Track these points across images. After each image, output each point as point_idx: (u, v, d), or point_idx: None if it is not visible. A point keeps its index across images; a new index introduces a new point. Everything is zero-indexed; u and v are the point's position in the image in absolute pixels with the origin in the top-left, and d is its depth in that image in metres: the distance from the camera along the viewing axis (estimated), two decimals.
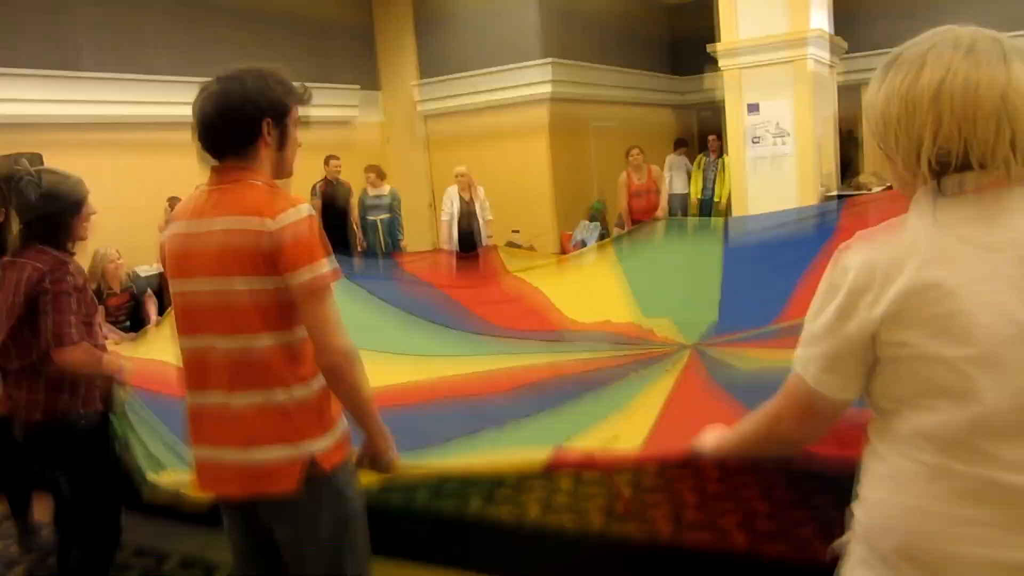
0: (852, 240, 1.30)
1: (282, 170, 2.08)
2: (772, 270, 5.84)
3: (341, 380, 1.96)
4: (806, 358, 1.33)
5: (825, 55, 10.14)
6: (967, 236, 1.20)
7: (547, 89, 11.13)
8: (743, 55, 9.83)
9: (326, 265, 1.95)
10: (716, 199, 11.02)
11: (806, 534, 1.94)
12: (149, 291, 6.81)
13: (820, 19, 10.10)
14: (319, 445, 1.96)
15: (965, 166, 1.22)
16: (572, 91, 11.63)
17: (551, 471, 2.06)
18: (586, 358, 5.10)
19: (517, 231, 10.95)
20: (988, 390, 1.16)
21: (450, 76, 11.80)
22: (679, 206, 11.29)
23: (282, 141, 2.05)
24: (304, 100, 2.10)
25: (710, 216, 10.98)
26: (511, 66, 11.18)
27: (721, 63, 9.98)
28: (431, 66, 12.10)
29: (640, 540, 2.00)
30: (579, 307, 5.98)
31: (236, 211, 1.93)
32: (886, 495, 1.27)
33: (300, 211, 1.93)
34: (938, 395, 1.20)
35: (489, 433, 3.69)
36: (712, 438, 1.70)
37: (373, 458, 2.11)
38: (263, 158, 2.03)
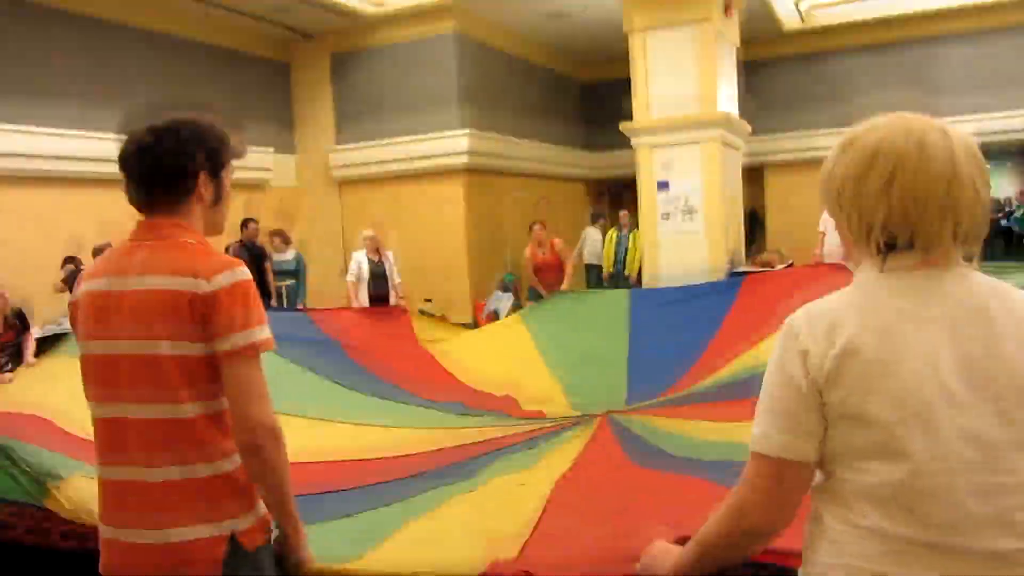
0: (796, 312, 1.35)
1: (214, 227, 1.97)
2: (677, 334, 6.10)
3: (261, 460, 1.80)
4: (765, 433, 1.34)
5: (732, 137, 10.57)
6: (904, 308, 1.28)
7: (464, 160, 11.24)
8: (655, 134, 10.17)
9: (262, 332, 1.82)
10: (627, 272, 11.23)
11: None
12: (32, 329, 6.59)
13: (728, 103, 10.57)
14: (242, 524, 1.82)
15: (909, 246, 1.31)
16: (488, 162, 11.78)
17: None
18: (494, 432, 5.02)
19: (430, 300, 10.88)
20: (918, 452, 1.22)
21: (367, 143, 11.80)
22: (596, 277, 11.47)
23: (217, 196, 1.94)
24: (240, 154, 2.01)
25: (619, 287, 11.17)
26: (429, 135, 11.26)
27: (633, 141, 10.29)
28: (348, 131, 12.09)
29: None
30: (489, 376, 5.96)
31: (166, 270, 1.80)
32: (825, 557, 1.30)
33: (236, 273, 1.80)
34: (872, 456, 1.25)
35: (395, 507, 3.63)
36: (667, 560, 1.60)
37: (283, 555, 1.94)
38: (196, 214, 1.91)
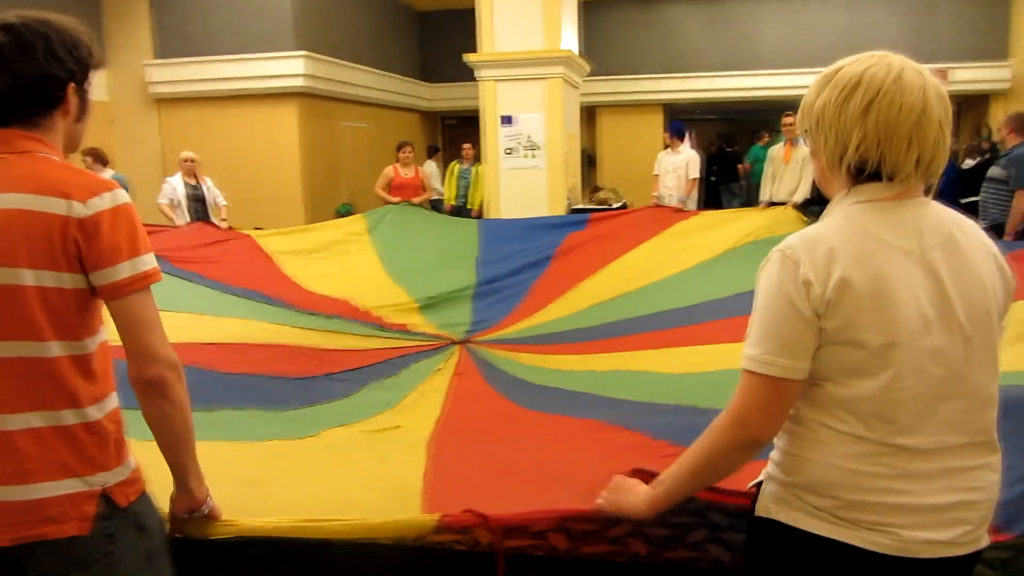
0: (790, 242, 1.44)
1: (72, 144, 1.74)
2: (521, 263, 6.35)
3: (164, 398, 1.62)
4: (767, 357, 1.42)
5: (573, 75, 10.70)
6: (885, 239, 1.41)
7: (299, 83, 10.68)
8: (499, 68, 10.10)
9: (151, 260, 1.63)
10: (470, 206, 11.20)
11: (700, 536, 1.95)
12: None
13: (570, 41, 10.65)
14: (113, 478, 1.62)
15: (875, 176, 1.44)
16: (325, 87, 11.28)
17: (442, 530, 1.88)
18: (358, 345, 5.06)
19: (260, 228, 10.38)
20: (896, 370, 1.38)
21: (191, 59, 10.92)
22: (438, 209, 11.35)
23: (81, 111, 1.71)
24: (102, 64, 1.75)
25: None
26: (262, 55, 10.59)
27: (478, 74, 10.18)
28: (168, 46, 11.13)
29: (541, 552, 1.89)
30: (332, 283, 5.91)
31: (29, 188, 1.55)
32: (809, 453, 1.45)
33: (117, 196, 1.59)
34: (856, 375, 1.40)
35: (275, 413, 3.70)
36: (635, 494, 1.66)
37: (185, 510, 1.78)
38: (57, 129, 1.67)
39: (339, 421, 3.80)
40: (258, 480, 2.27)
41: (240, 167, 10.64)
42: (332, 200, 11.74)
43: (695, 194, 9.23)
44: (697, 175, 9.07)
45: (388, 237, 6.89)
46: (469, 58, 10.18)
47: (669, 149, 9.28)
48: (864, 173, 1.44)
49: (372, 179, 12.46)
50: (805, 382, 1.44)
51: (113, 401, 1.66)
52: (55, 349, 1.56)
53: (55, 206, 1.53)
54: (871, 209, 1.43)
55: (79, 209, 1.54)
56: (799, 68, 13.99)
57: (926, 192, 1.49)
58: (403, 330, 5.49)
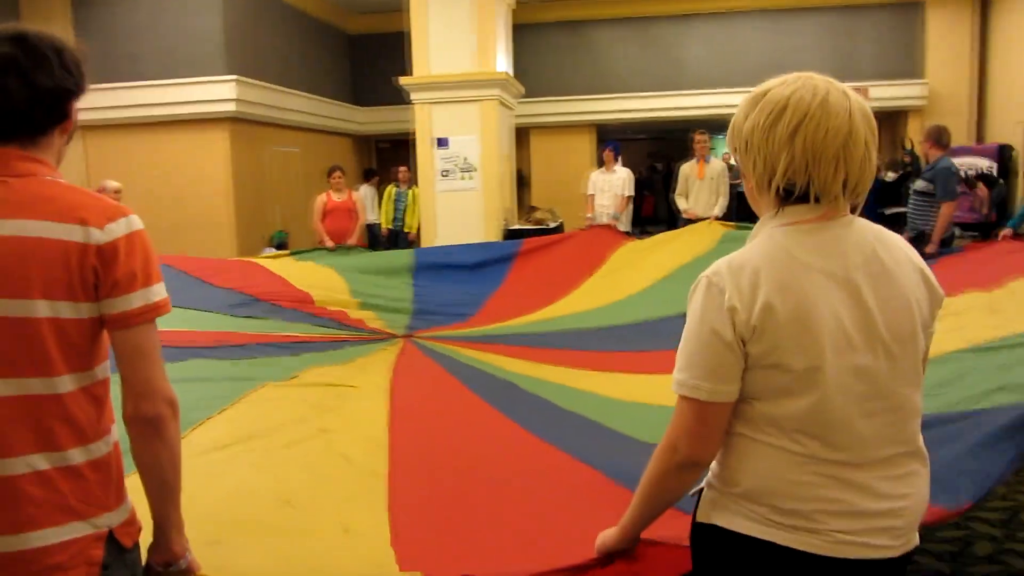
0: (717, 268, 1.47)
1: (58, 164, 1.65)
2: (458, 285, 6.44)
3: (159, 437, 1.54)
4: (693, 382, 1.46)
5: (507, 97, 10.77)
6: (809, 263, 1.44)
7: (231, 108, 10.50)
8: (434, 91, 10.11)
9: (162, 291, 1.57)
10: (406, 229, 11.14)
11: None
12: None
13: (503, 63, 10.74)
14: (117, 518, 1.53)
15: (803, 198, 1.47)
16: (256, 112, 11.10)
17: None
18: (302, 333, 5.18)
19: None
20: (821, 390, 1.42)
21: (116, 84, 10.64)
22: (372, 235, 11.28)
23: (72, 131, 1.65)
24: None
25: (398, 245, 11.11)
26: (191, 79, 10.38)
27: (413, 97, 10.18)
28: (92, 70, 10.81)
29: None
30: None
31: (43, 214, 1.47)
32: (742, 464, 1.49)
33: (132, 221, 1.54)
34: (783, 395, 1.44)
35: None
36: (608, 533, 1.78)
37: (164, 561, 1.64)
38: (54, 148, 1.60)
39: (292, 372, 4.04)
40: (218, 537, 2.19)
41: (168, 194, 10.39)
42: (264, 227, 11.55)
43: (629, 211, 9.36)
44: (631, 193, 9.24)
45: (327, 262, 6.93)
46: (403, 81, 10.17)
47: (603, 168, 9.39)
48: (793, 195, 1.47)
49: (305, 205, 12.32)
50: (732, 406, 1.48)
51: (115, 434, 1.58)
52: (68, 383, 1.49)
53: (72, 233, 1.47)
54: (796, 232, 1.46)
55: (97, 236, 1.48)
56: (725, 88, 14.38)
57: (852, 210, 1.52)
58: (344, 321, 5.55)
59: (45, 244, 1.46)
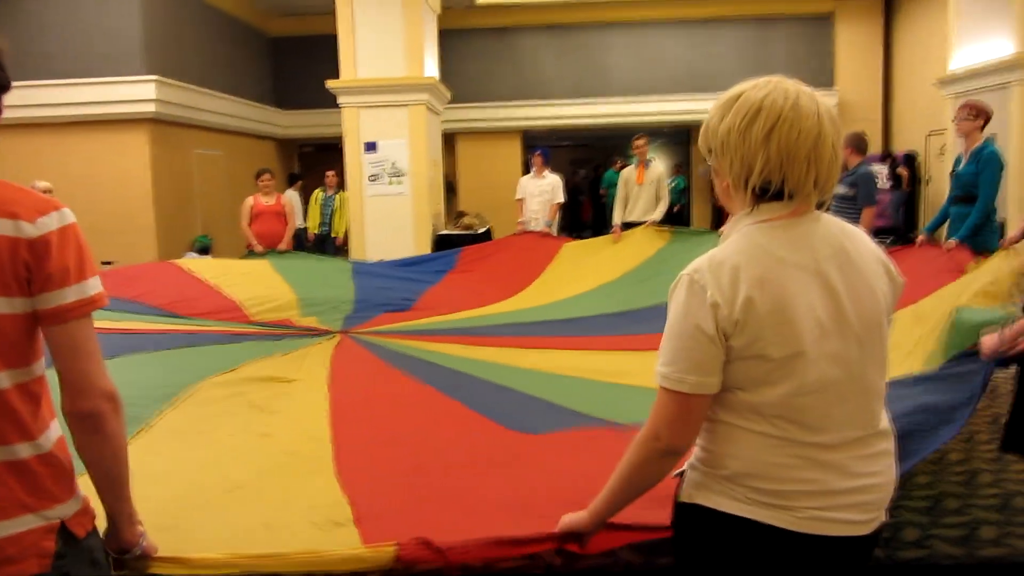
0: (698, 266, 1.54)
1: None
2: (396, 289, 6.52)
3: (99, 432, 1.53)
4: (678, 375, 1.53)
5: (436, 102, 10.79)
6: (783, 257, 1.53)
7: (151, 108, 10.21)
8: (363, 95, 10.06)
9: (97, 284, 1.55)
10: (334, 234, 11.04)
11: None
12: None
13: (432, 68, 10.75)
14: (69, 509, 1.54)
15: (777, 195, 1.56)
16: (177, 113, 10.83)
17: (402, 565, 1.89)
18: (237, 329, 5.20)
19: (109, 263, 9.83)
20: (800, 378, 1.51)
21: (30, 83, 10.22)
22: (299, 240, 11.12)
23: None
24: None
25: (325, 250, 11.02)
26: (109, 79, 10.06)
27: (341, 101, 10.11)
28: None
29: None
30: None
31: None
32: (725, 449, 1.58)
33: (64, 215, 1.52)
34: (763, 384, 1.53)
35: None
36: (577, 515, 1.83)
37: (119, 549, 1.68)
38: None
39: (227, 366, 4.00)
40: (173, 523, 2.16)
41: (85, 197, 9.99)
42: (186, 231, 11.27)
43: (558, 217, 9.44)
44: (562, 199, 9.32)
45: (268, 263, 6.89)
46: (331, 84, 10.09)
47: (532, 174, 9.47)
48: (768, 193, 1.55)
49: (227, 208, 12.10)
50: (713, 397, 1.56)
51: (57, 428, 1.57)
52: (4, 380, 1.46)
53: (3, 227, 1.44)
54: (769, 229, 1.55)
55: (28, 230, 1.46)
56: (647, 96, 14.72)
57: (819, 206, 1.61)
58: (285, 324, 5.53)
59: None
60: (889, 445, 1.63)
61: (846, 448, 1.54)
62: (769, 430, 1.53)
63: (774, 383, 1.51)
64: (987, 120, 5.93)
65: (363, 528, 2.24)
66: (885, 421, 1.63)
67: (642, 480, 1.66)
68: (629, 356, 4.49)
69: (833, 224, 1.61)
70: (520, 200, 9.50)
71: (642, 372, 4.06)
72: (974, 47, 10.84)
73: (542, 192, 9.23)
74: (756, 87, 1.57)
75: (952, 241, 5.54)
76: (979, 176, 5.80)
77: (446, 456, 3.04)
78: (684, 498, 1.65)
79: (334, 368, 4.28)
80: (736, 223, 1.60)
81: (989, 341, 2.66)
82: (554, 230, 9.15)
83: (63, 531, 1.51)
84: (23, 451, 1.48)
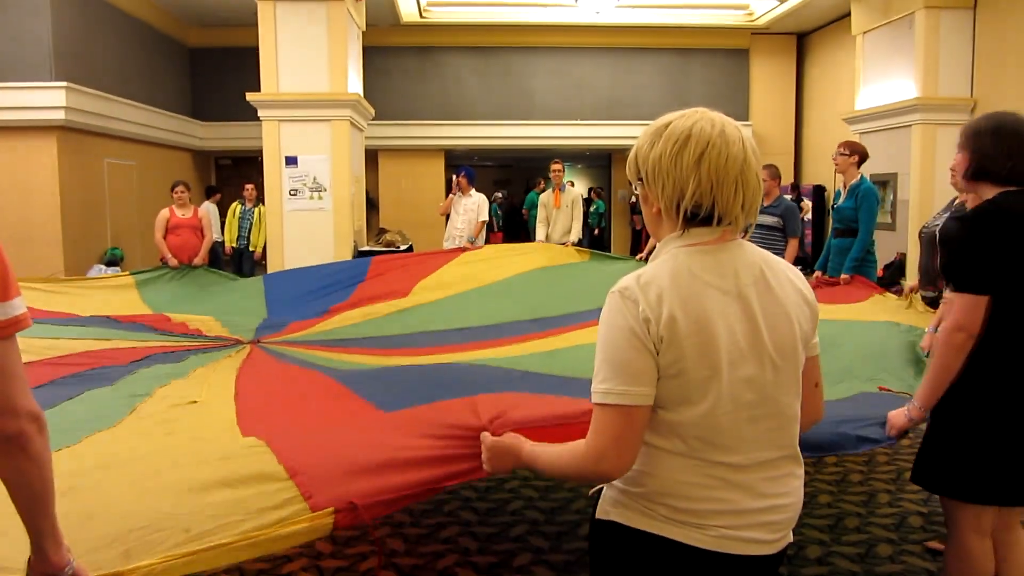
0: (627, 284, 1.58)
1: None
2: (308, 299, 6.40)
3: (23, 452, 1.47)
4: (621, 388, 1.54)
5: (358, 118, 10.73)
6: (707, 280, 1.58)
7: (60, 115, 9.86)
8: (285, 108, 9.94)
9: (20, 306, 1.48)
10: (252, 248, 10.83)
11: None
12: None
13: (355, 84, 10.69)
14: None
15: (705, 221, 1.61)
16: (87, 121, 10.48)
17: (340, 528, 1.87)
18: (141, 343, 4.86)
19: None
20: (714, 398, 1.55)
21: None
22: (215, 254, 10.87)
23: None
24: None
25: (243, 264, 10.80)
26: (15, 84, 9.68)
27: (262, 114, 9.96)
28: None
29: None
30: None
31: None
32: (639, 466, 1.61)
33: None
34: (682, 403, 1.56)
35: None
36: (524, 444, 1.84)
37: (40, 573, 1.56)
38: None
39: (131, 404, 3.65)
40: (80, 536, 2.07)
41: None
42: (95, 242, 10.89)
43: (483, 236, 9.49)
44: (486, 218, 9.38)
45: (162, 292, 6.67)
46: (251, 97, 9.93)
47: (459, 193, 9.49)
48: (698, 217, 1.60)
49: (139, 220, 11.74)
50: (650, 410, 1.57)
51: None
52: None
53: None
54: (695, 252, 1.60)
55: None
56: (569, 120, 14.96)
57: (744, 233, 1.67)
58: (185, 331, 5.30)
59: None
60: (799, 469, 1.68)
61: (756, 469, 1.59)
62: (685, 450, 1.56)
63: (692, 403, 1.54)
64: (862, 158, 6.23)
65: (299, 480, 2.18)
66: (796, 446, 1.67)
67: (571, 480, 1.70)
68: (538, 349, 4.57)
69: (755, 252, 1.66)
70: (445, 217, 9.56)
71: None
72: (879, 87, 11.40)
73: (467, 211, 9.27)
74: (684, 116, 1.62)
75: (845, 276, 5.79)
76: (858, 211, 6.09)
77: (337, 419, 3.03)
78: (600, 515, 1.68)
79: (241, 377, 4.17)
80: (664, 246, 1.65)
81: (897, 419, 2.59)
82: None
83: None
84: None
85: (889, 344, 3.80)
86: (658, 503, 1.58)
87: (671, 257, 1.60)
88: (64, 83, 9.84)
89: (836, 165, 6.32)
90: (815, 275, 6.24)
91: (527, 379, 3.59)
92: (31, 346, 4.42)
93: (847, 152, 6.20)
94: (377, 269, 7.13)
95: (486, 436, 1.97)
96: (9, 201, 9.91)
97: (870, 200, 6.08)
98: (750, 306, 1.58)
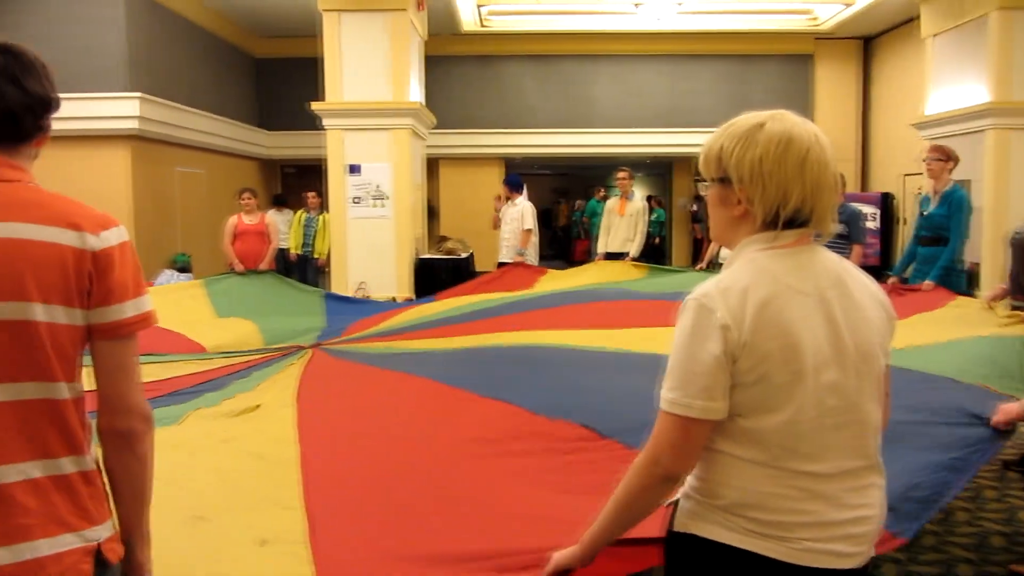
0: (706, 290, 1.54)
1: None
2: (367, 311, 6.61)
3: (132, 451, 1.52)
4: (686, 400, 1.52)
5: (420, 127, 10.84)
6: (789, 283, 1.54)
7: (133, 125, 10.16)
8: (348, 117, 10.09)
9: (149, 303, 1.55)
10: (316, 255, 11.01)
11: None
12: None
13: (417, 93, 10.81)
14: (105, 532, 1.50)
15: (792, 223, 1.57)
16: (159, 131, 10.78)
17: None
18: (206, 367, 4.92)
19: None
20: (797, 404, 1.51)
21: None
22: (281, 260, 11.08)
23: (42, 145, 1.64)
24: None
25: (307, 270, 10.98)
26: (92, 94, 10.00)
27: (325, 123, 10.12)
28: None
29: None
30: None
31: (32, 218, 1.45)
32: (718, 477, 1.58)
33: (122, 231, 1.54)
34: (764, 410, 1.53)
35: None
36: (568, 551, 1.73)
37: (130, 569, 1.60)
38: (31, 158, 1.59)
39: (181, 416, 3.69)
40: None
41: None
42: (166, 248, 11.18)
43: (535, 243, 9.39)
44: (531, 226, 9.25)
45: (228, 296, 6.82)
46: (316, 107, 10.10)
47: (508, 201, 9.50)
48: (795, 222, 1.57)
49: (207, 227, 12.02)
50: (717, 423, 1.54)
51: (96, 449, 1.55)
52: (64, 391, 1.46)
53: (67, 237, 1.46)
54: (776, 256, 1.57)
55: (92, 242, 1.47)
56: (629, 128, 14.87)
57: (817, 238, 1.64)
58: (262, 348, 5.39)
59: (38, 247, 1.44)
60: (881, 480, 1.64)
61: (840, 479, 1.55)
62: (766, 459, 1.53)
63: (774, 409, 1.51)
64: (955, 163, 6.05)
65: (320, 560, 2.20)
66: (879, 455, 1.63)
67: (639, 507, 1.63)
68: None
69: (832, 256, 1.63)
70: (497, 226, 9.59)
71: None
72: (950, 92, 11.09)
73: (512, 220, 9.25)
74: (771, 118, 1.59)
75: (929, 283, 5.62)
76: (950, 219, 5.90)
77: (421, 470, 2.96)
78: (678, 527, 1.64)
79: (303, 381, 4.19)
80: (740, 250, 1.62)
81: (1009, 410, 2.54)
82: (532, 257, 9.14)
83: (98, 555, 1.48)
84: (68, 466, 1.46)
85: (997, 354, 3.67)
86: (739, 515, 1.54)
87: (749, 261, 1.57)
88: (138, 94, 10.14)
89: (929, 170, 6.12)
90: (890, 280, 6.08)
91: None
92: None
93: (942, 157, 5.99)
94: (439, 298, 7.25)
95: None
96: None
97: (964, 209, 5.89)
98: (831, 310, 1.55)
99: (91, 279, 1.47)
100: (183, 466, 2.88)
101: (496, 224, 9.63)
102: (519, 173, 10.49)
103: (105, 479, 1.55)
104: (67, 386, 1.48)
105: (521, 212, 9.22)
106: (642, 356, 3.79)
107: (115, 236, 1.51)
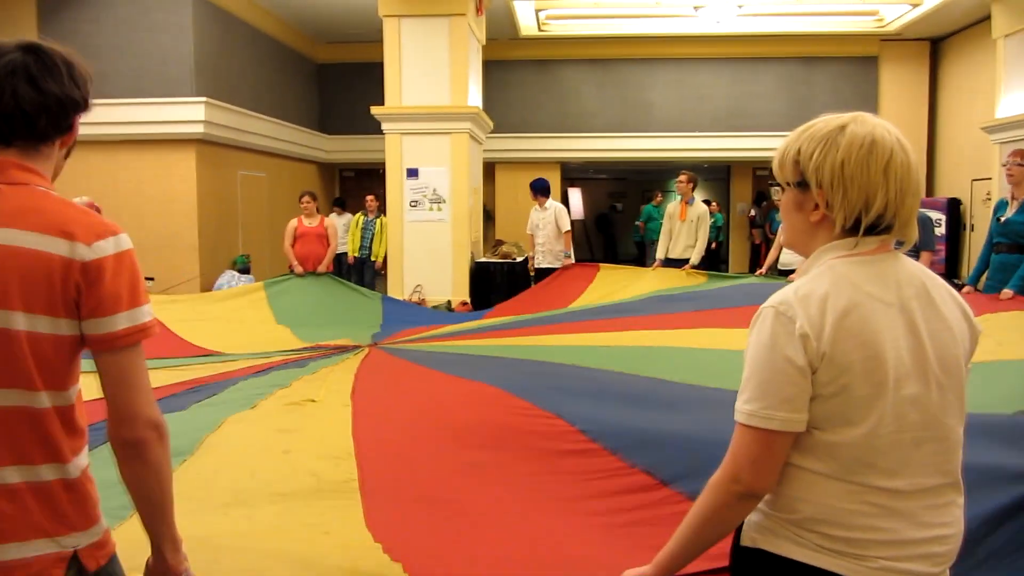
0: (784, 298, 1.48)
1: (54, 179, 1.63)
2: (423, 317, 6.84)
3: (141, 460, 1.52)
4: (766, 412, 1.46)
5: (478, 131, 10.89)
6: (870, 292, 1.48)
7: (199, 129, 10.41)
8: (407, 122, 10.18)
9: (148, 313, 1.53)
10: (373, 258, 11.14)
11: None
12: None
13: (475, 97, 10.86)
14: (84, 540, 1.51)
15: (873, 229, 1.51)
16: (223, 135, 11.03)
17: None
18: (263, 360, 5.08)
19: (151, 279, 10.00)
20: (877, 417, 1.45)
21: None
22: (338, 263, 11.25)
23: (72, 146, 1.63)
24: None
25: (364, 273, 11.11)
26: (160, 99, 10.29)
27: (385, 127, 10.23)
28: None
29: None
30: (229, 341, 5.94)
31: (28, 225, 1.44)
32: (795, 492, 1.51)
33: (121, 240, 1.51)
34: (842, 423, 1.46)
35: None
36: (640, 570, 1.65)
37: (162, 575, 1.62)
38: (52, 160, 1.58)
39: (254, 400, 3.88)
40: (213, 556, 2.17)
41: (131, 213, 10.23)
42: (227, 249, 11.43)
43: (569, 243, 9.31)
44: (568, 227, 9.19)
45: (287, 298, 6.99)
46: (376, 111, 10.22)
47: (538, 206, 9.50)
48: (876, 228, 1.51)
49: (268, 229, 12.26)
50: (796, 435, 1.48)
51: (86, 456, 1.55)
52: (45, 400, 1.46)
53: (56, 246, 1.44)
54: (856, 263, 1.51)
55: (83, 252, 1.44)
56: (688, 132, 14.72)
57: (898, 245, 1.57)
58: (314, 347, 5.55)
59: (26, 255, 1.44)
60: (960, 498, 1.56)
61: (918, 496, 1.49)
62: (842, 473, 1.47)
63: (854, 422, 1.45)
64: None
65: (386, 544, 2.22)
66: (959, 473, 1.55)
67: (717, 527, 1.56)
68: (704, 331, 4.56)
69: (913, 264, 1.57)
70: (530, 235, 9.57)
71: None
72: (1023, 94, 10.74)
73: (545, 224, 9.25)
74: (853, 120, 1.53)
75: (1008, 291, 5.44)
76: None
77: (476, 464, 2.99)
78: (747, 542, 1.57)
79: (359, 379, 4.27)
80: (817, 257, 1.55)
81: None
82: (572, 259, 9.20)
83: (75, 561, 1.49)
84: (47, 473, 1.47)
85: None
86: (811, 531, 1.48)
87: (828, 268, 1.51)
88: (204, 98, 10.40)
89: (1009, 176, 5.93)
90: (964, 289, 5.90)
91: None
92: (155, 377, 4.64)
93: (1023, 162, 5.82)
94: (496, 309, 7.31)
95: None
96: (152, 210, 10.52)
97: None
98: (914, 320, 1.49)
99: (79, 289, 1.46)
100: (245, 484, 2.94)
101: (532, 230, 9.58)
102: (575, 177, 10.46)
103: (93, 487, 1.55)
104: (48, 395, 1.47)
105: (554, 215, 9.19)
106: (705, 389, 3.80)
107: (111, 246, 1.49)
